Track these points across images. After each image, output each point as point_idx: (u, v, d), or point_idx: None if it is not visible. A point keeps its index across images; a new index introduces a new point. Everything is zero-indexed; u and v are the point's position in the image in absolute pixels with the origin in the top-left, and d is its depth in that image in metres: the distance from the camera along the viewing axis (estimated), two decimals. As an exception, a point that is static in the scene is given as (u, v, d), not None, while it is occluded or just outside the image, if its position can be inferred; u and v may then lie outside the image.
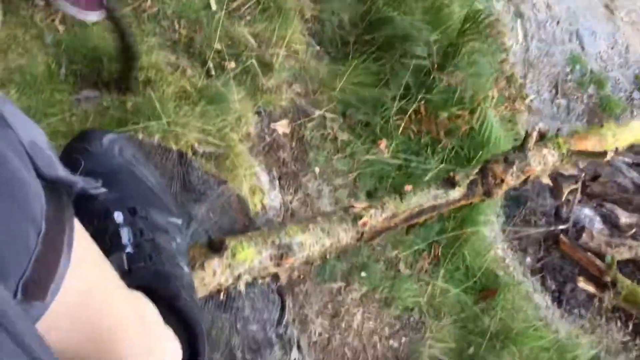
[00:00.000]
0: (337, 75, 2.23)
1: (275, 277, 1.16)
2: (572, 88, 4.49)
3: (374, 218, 1.33)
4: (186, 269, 0.91)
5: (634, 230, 4.10)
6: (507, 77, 2.28)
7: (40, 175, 0.49)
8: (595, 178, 4.03)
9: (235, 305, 1.07)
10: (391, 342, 2.03)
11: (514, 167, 1.56)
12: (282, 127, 2.07)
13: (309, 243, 1.15)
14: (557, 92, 4.37)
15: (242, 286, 1.09)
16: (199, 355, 0.81)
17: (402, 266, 2.15)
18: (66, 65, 1.84)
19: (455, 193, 1.48)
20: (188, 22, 2.12)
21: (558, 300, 3.70)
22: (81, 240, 0.55)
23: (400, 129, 2.23)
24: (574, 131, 1.91)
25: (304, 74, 2.21)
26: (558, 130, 2.07)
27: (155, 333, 0.76)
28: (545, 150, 1.63)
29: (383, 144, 2.23)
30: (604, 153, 1.85)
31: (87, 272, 0.57)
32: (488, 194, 1.53)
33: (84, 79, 1.84)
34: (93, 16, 1.80)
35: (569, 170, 3.95)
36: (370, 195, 2.15)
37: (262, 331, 1.06)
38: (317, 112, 2.17)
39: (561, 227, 3.86)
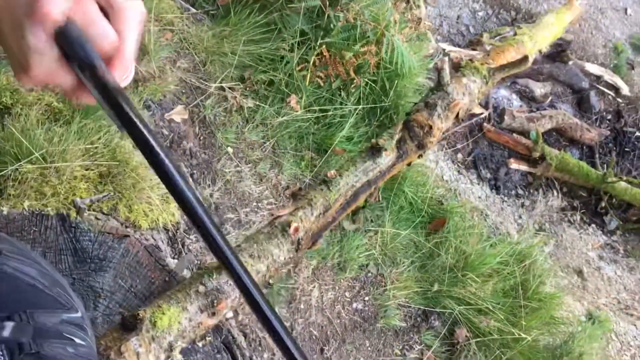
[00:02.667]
0: (224, 37, 1.97)
1: (217, 329, 0.99)
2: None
3: (306, 219, 1.17)
4: None
5: (549, 98, 4.16)
6: (405, -1, 2.10)
7: None
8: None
9: (178, 385, 0.90)
10: (355, 305, 1.94)
11: (438, 108, 1.42)
12: (178, 114, 1.82)
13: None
14: (449, -22, 4.23)
15: (178, 356, 0.92)
16: None
17: (345, 223, 2.03)
18: None
19: (386, 158, 1.33)
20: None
21: (495, 187, 3.75)
22: None
23: (307, 79, 2.02)
24: (491, 46, 1.77)
25: (187, 46, 1.94)
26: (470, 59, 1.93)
27: None
28: (465, 80, 1.49)
29: (293, 100, 2.03)
30: (525, 58, 1.74)
31: None
32: (421, 146, 1.38)
33: None
34: None
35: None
36: (296, 160, 1.98)
37: (217, 406, 0.90)
38: (213, 86, 1.93)
39: (482, 115, 3.84)
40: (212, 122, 1.89)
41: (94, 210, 1.10)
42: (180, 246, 1.60)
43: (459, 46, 3.87)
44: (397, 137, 1.34)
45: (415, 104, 1.44)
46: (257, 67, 2.01)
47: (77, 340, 0.77)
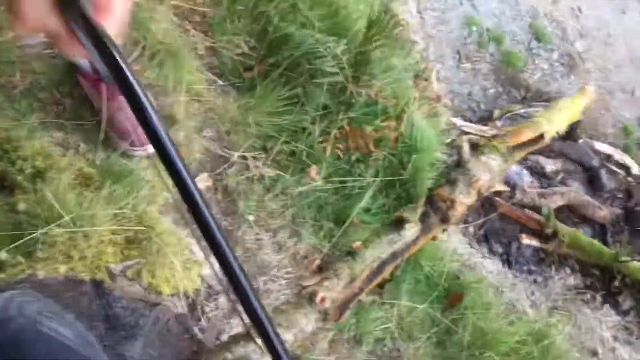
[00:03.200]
0: (248, 108, 2.04)
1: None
2: (473, 50, 4.50)
3: (332, 289, 1.18)
4: None
5: (560, 175, 4.20)
6: (425, 78, 2.18)
7: None
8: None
9: None
10: (371, 381, 1.91)
11: (460, 184, 1.45)
12: (202, 181, 1.86)
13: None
14: (460, 57, 4.36)
15: None
16: None
17: (362, 295, 2.02)
18: None
19: (411, 231, 1.35)
20: (69, 86, 1.86)
21: (507, 262, 3.71)
22: None
23: (328, 151, 2.08)
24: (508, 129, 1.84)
25: (213, 116, 2.01)
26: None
27: None
28: (484, 158, 1.54)
29: (313, 170, 2.08)
30: (541, 136, 1.79)
31: None
32: (445, 220, 1.41)
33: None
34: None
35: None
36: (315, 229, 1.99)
37: None
38: (236, 154, 1.98)
39: (504, 191, 3.85)
40: (235, 190, 1.93)
41: (128, 278, 1.12)
42: (199, 314, 1.60)
43: (471, 121, 3.96)
44: (420, 210, 1.37)
45: (437, 179, 1.48)
46: (280, 137, 2.06)
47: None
